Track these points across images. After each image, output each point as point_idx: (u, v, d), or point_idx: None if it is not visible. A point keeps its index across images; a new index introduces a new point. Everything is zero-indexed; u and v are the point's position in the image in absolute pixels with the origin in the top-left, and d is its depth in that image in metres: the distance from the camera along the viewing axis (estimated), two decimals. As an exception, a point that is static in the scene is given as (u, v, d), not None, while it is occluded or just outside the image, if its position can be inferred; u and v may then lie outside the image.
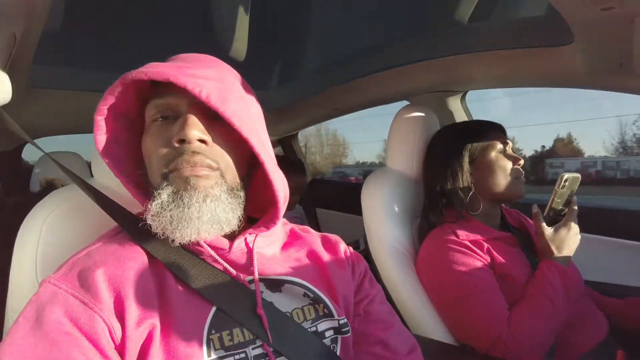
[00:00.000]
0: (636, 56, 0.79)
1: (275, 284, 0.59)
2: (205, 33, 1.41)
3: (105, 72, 1.49)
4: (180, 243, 0.54)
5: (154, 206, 0.52)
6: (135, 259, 0.54)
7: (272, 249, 0.64)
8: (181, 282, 0.54)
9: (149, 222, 0.53)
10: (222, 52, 1.34)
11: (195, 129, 0.52)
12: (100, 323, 0.47)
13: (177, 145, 0.53)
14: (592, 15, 0.68)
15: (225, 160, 0.56)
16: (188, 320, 0.51)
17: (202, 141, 0.53)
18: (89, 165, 0.79)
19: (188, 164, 0.52)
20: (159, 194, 0.53)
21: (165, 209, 0.52)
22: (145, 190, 0.59)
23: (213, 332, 0.51)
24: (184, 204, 0.52)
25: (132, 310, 0.49)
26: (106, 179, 0.71)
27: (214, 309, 0.53)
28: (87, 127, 1.32)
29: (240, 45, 1.35)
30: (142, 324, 0.49)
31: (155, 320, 0.50)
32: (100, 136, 0.57)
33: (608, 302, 1.05)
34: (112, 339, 0.47)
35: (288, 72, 1.84)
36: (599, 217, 1.26)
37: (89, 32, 1.34)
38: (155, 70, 0.52)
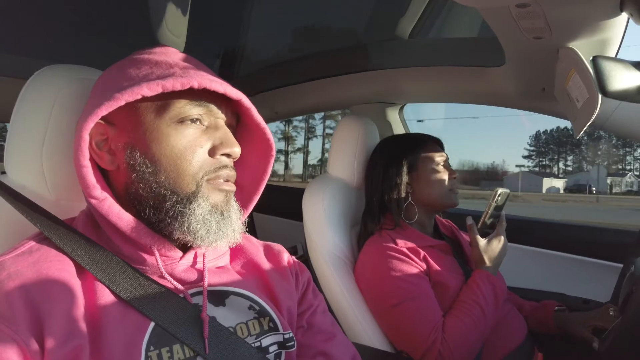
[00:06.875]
0: (557, 83, 0.87)
1: (219, 296, 0.57)
2: (138, 18, 1.30)
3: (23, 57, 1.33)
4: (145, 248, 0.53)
5: (199, 212, 0.52)
6: (61, 270, 0.48)
7: (222, 261, 0.62)
8: (116, 296, 0.49)
9: (175, 223, 0.52)
10: (156, 44, 1.24)
11: (238, 147, 0.55)
12: (13, 347, 0.41)
13: (222, 157, 0.54)
14: (524, 42, 0.74)
15: None
16: (122, 337, 0.47)
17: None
18: None
19: (227, 179, 0.55)
20: (197, 202, 0.52)
21: (209, 218, 0.53)
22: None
23: (152, 348, 0.48)
24: (223, 216, 0.54)
25: (54, 330, 0.43)
26: (22, 177, 0.61)
27: (152, 324, 0.50)
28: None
29: (178, 40, 1.28)
30: (66, 345, 0.43)
31: (82, 341, 0.45)
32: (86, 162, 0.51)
33: (525, 304, 1.15)
34: None
35: (225, 72, 1.78)
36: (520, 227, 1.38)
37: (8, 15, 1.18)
38: (213, 81, 0.52)
